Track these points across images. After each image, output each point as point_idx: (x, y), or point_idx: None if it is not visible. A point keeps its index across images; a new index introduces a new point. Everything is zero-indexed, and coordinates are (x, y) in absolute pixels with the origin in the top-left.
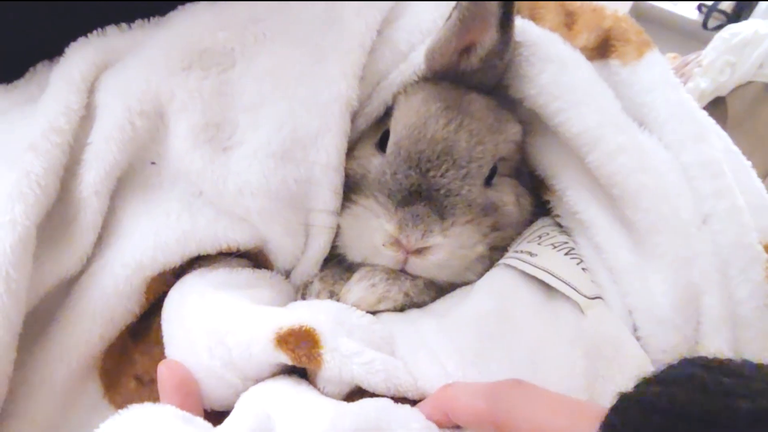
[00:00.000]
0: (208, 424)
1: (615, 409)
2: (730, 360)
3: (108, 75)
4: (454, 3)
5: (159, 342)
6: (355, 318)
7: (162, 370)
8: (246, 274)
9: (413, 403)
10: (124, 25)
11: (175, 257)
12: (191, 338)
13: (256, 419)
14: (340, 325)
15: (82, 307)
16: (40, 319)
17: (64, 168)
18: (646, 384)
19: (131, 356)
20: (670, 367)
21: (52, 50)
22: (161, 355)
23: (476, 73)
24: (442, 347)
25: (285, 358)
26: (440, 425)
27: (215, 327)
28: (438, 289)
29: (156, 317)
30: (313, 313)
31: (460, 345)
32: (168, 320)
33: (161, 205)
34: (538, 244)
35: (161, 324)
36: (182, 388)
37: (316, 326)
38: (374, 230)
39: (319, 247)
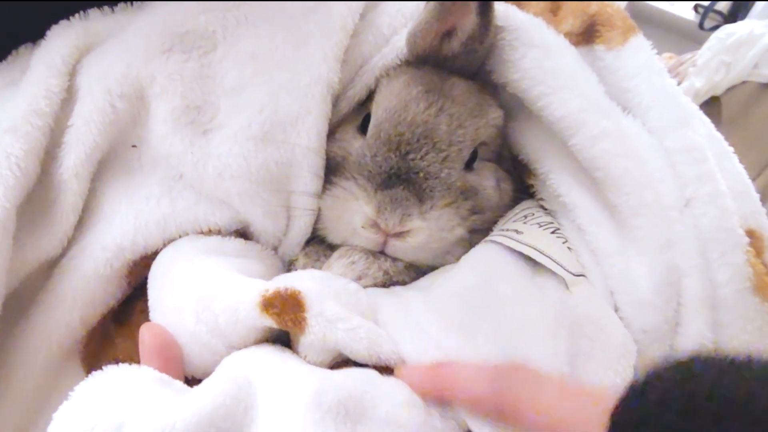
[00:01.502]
0: (186, 388)
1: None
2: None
3: (89, 58)
4: None
5: (140, 327)
6: (341, 283)
7: (144, 332)
8: (237, 243)
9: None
10: (106, 8)
11: (155, 240)
12: (178, 303)
13: (235, 383)
14: (327, 287)
15: (63, 290)
16: (21, 302)
17: (44, 151)
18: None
19: (113, 340)
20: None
21: (35, 33)
22: None
23: (457, 58)
24: (426, 316)
25: (270, 322)
26: (427, 397)
27: (203, 292)
28: (418, 271)
29: (138, 302)
30: (300, 278)
31: (444, 314)
32: (155, 284)
33: (141, 189)
34: (524, 223)
35: (147, 292)
36: (164, 351)
37: (302, 289)
38: (353, 212)
39: (300, 229)
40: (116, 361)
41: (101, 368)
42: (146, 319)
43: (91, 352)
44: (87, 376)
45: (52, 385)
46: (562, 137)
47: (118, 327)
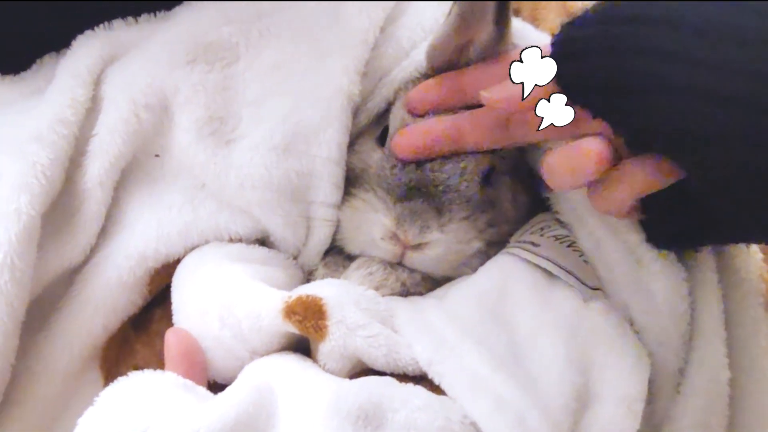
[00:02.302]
0: (209, 393)
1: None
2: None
3: (114, 68)
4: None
5: (160, 334)
6: (360, 291)
7: (169, 336)
8: (261, 251)
9: (413, 379)
10: (130, 19)
11: (177, 248)
12: (203, 307)
13: (257, 390)
14: (347, 294)
15: (85, 297)
16: (43, 309)
17: (69, 159)
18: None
19: (132, 346)
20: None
21: (59, 43)
22: (162, 347)
23: None
24: (442, 320)
25: (293, 329)
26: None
27: (228, 297)
28: (433, 282)
29: (157, 309)
30: (321, 286)
31: (459, 318)
32: (179, 288)
33: (164, 198)
34: (541, 235)
35: (166, 299)
36: (188, 356)
37: (323, 297)
38: (372, 224)
39: (319, 240)
40: (135, 368)
41: (120, 374)
42: (166, 326)
43: (110, 358)
44: (105, 383)
45: (71, 391)
46: None
47: (138, 333)
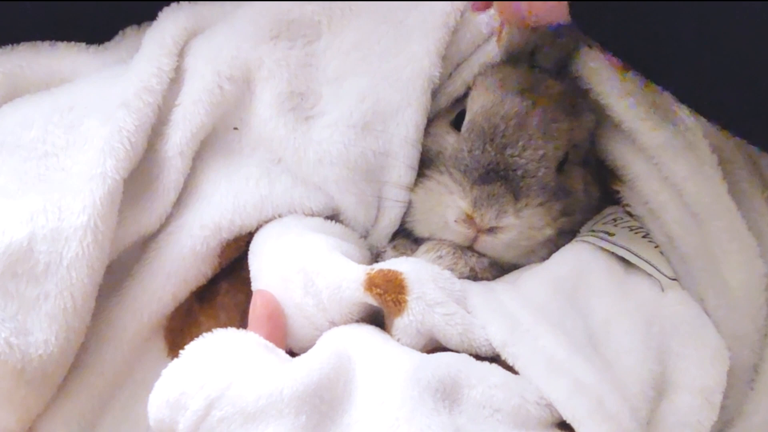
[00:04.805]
0: (288, 357)
1: None
2: None
3: (198, 41)
4: None
5: (225, 307)
6: (437, 268)
7: (257, 298)
8: (339, 227)
9: (486, 360)
10: None
11: (252, 221)
12: (286, 274)
13: (338, 356)
14: (426, 271)
15: (158, 265)
16: (117, 274)
17: (152, 127)
18: None
19: (197, 318)
20: None
21: (142, 15)
22: (226, 320)
23: (548, 55)
24: (516, 303)
25: (372, 301)
26: None
27: (311, 266)
28: (500, 270)
29: (223, 282)
30: (400, 262)
31: (534, 301)
32: (259, 254)
33: (241, 170)
34: (614, 225)
35: (232, 273)
36: (272, 319)
37: (404, 271)
38: (447, 206)
39: (390, 221)
40: None
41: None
42: (231, 299)
43: (175, 328)
44: (169, 352)
45: (136, 357)
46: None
47: (202, 305)
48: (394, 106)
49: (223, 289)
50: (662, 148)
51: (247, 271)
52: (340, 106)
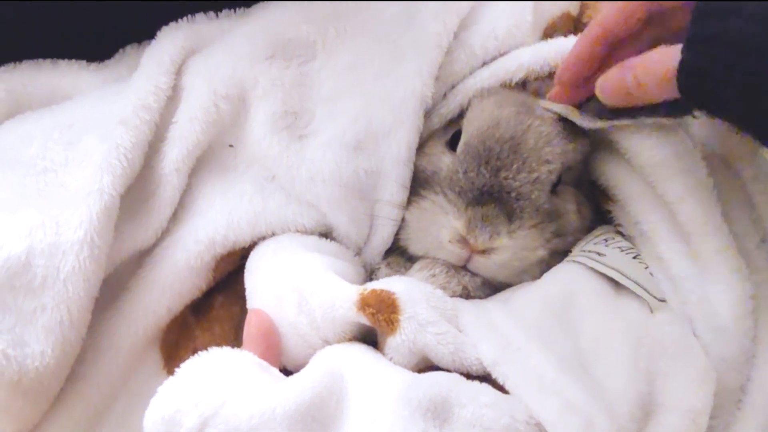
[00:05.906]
0: (282, 375)
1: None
2: None
3: (195, 59)
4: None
5: (220, 320)
6: (429, 288)
7: (252, 317)
8: (333, 245)
9: (476, 379)
10: (211, 13)
11: (245, 237)
12: (280, 293)
13: (330, 375)
14: (418, 291)
15: (153, 279)
16: (113, 288)
17: (149, 144)
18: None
19: (192, 331)
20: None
21: (142, 34)
22: (221, 332)
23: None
24: (507, 321)
25: (365, 321)
26: None
27: (304, 285)
28: (493, 288)
29: (218, 295)
30: (393, 281)
31: (525, 320)
32: (254, 272)
33: (235, 187)
34: (605, 246)
35: (227, 286)
36: (267, 338)
37: (396, 291)
38: (441, 226)
39: (382, 238)
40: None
41: (179, 357)
42: (226, 312)
43: (170, 340)
44: (165, 364)
45: (131, 369)
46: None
47: (197, 318)
48: (387, 126)
49: (218, 302)
50: (660, 166)
51: (242, 285)
52: (333, 125)
